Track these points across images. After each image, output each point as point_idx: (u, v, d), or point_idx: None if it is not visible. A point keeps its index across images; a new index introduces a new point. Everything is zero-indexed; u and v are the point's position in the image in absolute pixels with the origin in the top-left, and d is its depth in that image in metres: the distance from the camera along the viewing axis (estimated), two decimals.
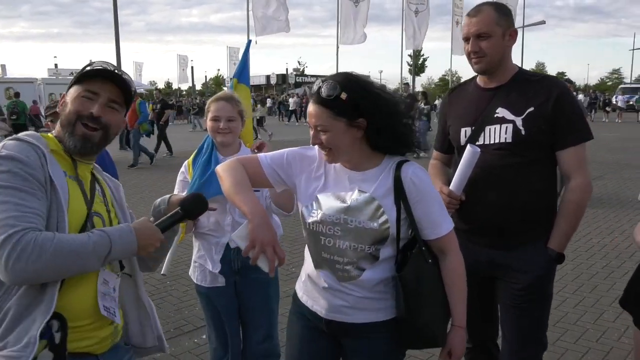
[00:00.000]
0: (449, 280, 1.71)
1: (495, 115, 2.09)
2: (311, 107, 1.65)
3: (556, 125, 2.03)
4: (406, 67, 39.29)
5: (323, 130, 1.63)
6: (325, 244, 1.71)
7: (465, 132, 2.18)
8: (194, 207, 1.64)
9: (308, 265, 1.81)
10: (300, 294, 1.87)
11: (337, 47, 21.71)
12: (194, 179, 2.50)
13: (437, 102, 23.68)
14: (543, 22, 27.40)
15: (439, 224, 1.69)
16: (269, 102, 28.47)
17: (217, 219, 2.48)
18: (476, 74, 2.22)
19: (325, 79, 1.65)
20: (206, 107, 2.57)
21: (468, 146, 2.07)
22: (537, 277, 2.09)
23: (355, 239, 1.67)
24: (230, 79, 3.17)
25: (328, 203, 1.70)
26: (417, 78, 39.46)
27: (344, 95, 1.58)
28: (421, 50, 43.79)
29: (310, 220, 1.73)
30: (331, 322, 1.76)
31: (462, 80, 2.64)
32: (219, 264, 2.51)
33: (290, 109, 28.23)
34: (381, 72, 73.79)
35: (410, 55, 38.51)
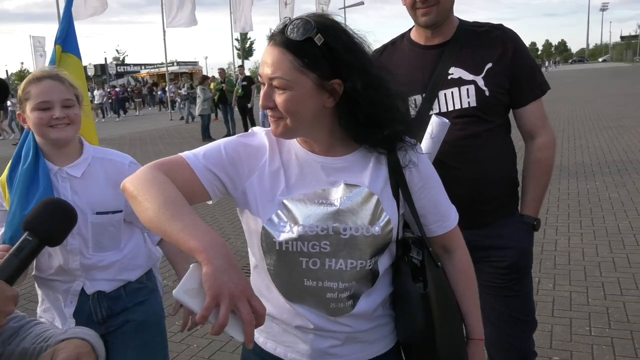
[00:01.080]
0: (461, 284, 1.33)
1: (449, 77, 1.77)
2: (269, 52, 1.12)
3: (517, 80, 1.79)
4: (237, 53, 38.61)
5: (281, 86, 1.10)
6: (309, 268, 1.18)
7: (414, 101, 1.79)
8: (50, 223, 1.00)
9: (268, 304, 1.24)
10: (260, 339, 1.32)
11: (164, 32, 20.52)
12: (13, 208, 1.62)
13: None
14: (362, 3, 28.65)
15: (447, 214, 1.30)
16: (97, 94, 25.07)
17: (61, 259, 1.69)
18: (408, 30, 1.91)
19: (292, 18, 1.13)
20: (20, 93, 1.69)
21: (434, 118, 1.69)
22: (522, 251, 1.87)
23: (351, 253, 1.18)
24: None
25: (305, 209, 1.17)
26: (245, 62, 39.13)
27: (319, 39, 1.08)
28: (247, 34, 43.39)
29: (281, 238, 1.16)
30: None
31: None
32: (73, 319, 1.76)
33: (96, 102, 24.86)
34: (207, 57, 72.62)
35: (237, 39, 38.02)
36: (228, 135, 13.75)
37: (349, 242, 1.16)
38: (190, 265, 0.95)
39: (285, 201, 1.17)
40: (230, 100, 13.69)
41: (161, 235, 1.01)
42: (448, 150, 1.71)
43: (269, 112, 1.15)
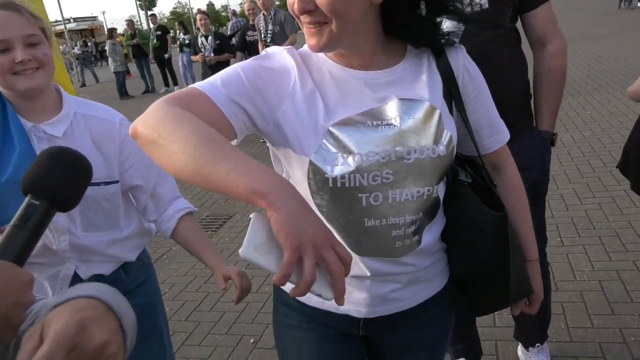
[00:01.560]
0: (514, 202, 1.18)
1: None
2: None
3: None
4: (139, 4, 36.06)
5: None
6: (370, 204, 1.00)
7: None
8: (59, 178, 0.71)
9: None
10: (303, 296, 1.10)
11: None
12: None
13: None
14: None
15: (500, 127, 1.15)
16: None
17: (45, 240, 1.37)
18: None
19: None
20: None
21: None
22: (544, 170, 1.78)
23: (417, 180, 1.00)
24: None
25: (358, 134, 0.97)
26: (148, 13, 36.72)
27: None
28: None
29: (335, 173, 0.97)
30: (373, 320, 1.13)
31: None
32: None
33: None
34: (104, 12, 67.48)
35: None
36: (147, 92, 12.92)
37: (415, 167, 0.98)
38: (251, 215, 0.75)
39: (331, 128, 0.96)
40: (148, 53, 12.79)
41: (202, 185, 0.77)
42: None
43: (305, 20, 0.92)
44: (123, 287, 1.49)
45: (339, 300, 0.72)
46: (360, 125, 0.97)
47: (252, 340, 2.68)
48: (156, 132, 0.81)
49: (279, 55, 1.02)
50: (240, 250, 0.70)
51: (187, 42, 11.63)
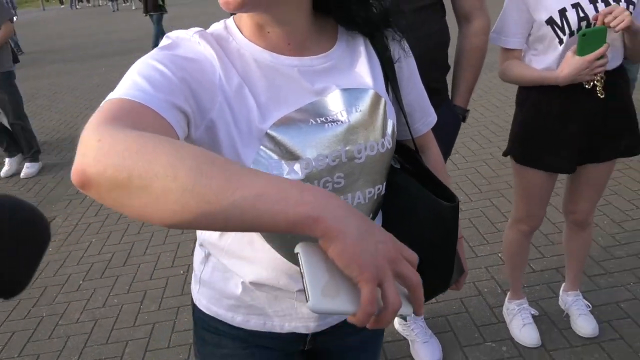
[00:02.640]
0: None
1: None
2: None
3: None
4: None
5: None
6: None
7: None
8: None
9: (254, 267, 0.92)
10: (238, 317, 0.98)
11: None
12: None
13: None
14: None
15: (429, 108, 1.09)
16: None
17: None
18: None
19: None
20: None
21: None
22: (449, 145, 1.80)
23: (368, 180, 0.90)
24: None
25: (302, 135, 0.82)
26: None
27: None
28: None
29: None
30: (322, 333, 1.01)
31: None
32: None
33: None
34: None
35: None
36: None
37: (366, 166, 0.88)
38: (298, 251, 0.57)
39: (270, 131, 0.80)
40: None
41: (214, 226, 0.55)
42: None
43: None
44: None
45: (419, 309, 0.61)
46: (303, 124, 0.82)
47: None
48: (125, 171, 0.54)
49: (188, 41, 0.81)
50: (309, 304, 0.54)
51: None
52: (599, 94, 1.71)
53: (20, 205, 0.45)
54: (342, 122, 0.85)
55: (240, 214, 0.53)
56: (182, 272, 2.99)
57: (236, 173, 0.55)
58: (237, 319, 0.97)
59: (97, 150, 0.55)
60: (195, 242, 3.27)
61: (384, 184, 0.94)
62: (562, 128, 1.78)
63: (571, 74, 1.63)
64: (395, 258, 0.57)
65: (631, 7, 1.61)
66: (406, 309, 0.59)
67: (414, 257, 0.61)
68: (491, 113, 4.93)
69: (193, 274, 1.06)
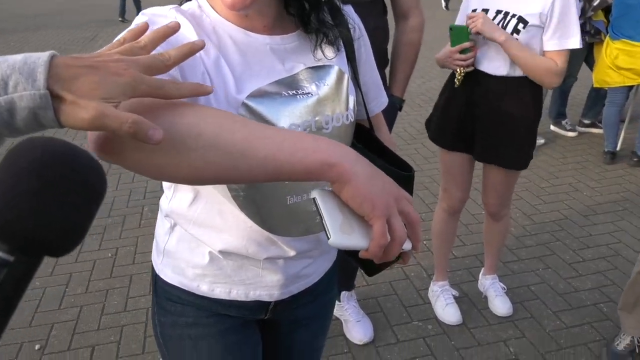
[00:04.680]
0: None
1: None
2: None
3: None
4: None
5: None
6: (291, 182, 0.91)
7: None
8: (44, 205, 0.41)
9: (223, 236, 0.96)
10: (203, 286, 1.01)
11: None
12: None
13: None
14: None
15: (382, 90, 1.16)
16: None
17: None
18: None
19: None
20: None
21: None
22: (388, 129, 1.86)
23: None
24: None
25: (278, 106, 0.88)
26: None
27: None
28: None
29: None
30: (282, 302, 1.07)
31: None
32: None
33: None
34: None
35: None
36: None
37: (333, 136, 0.94)
38: (315, 195, 0.63)
39: (246, 101, 0.85)
40: None
41: (235, 178, 0.61)
42: None
43: None
44: None
45: (418, 246, 0.69)
46: (277, 95, 0.88)
47: (37, 347, 2.25)
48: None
49: (165, 17, 0.83)
50: (331, 240, 0.60)
51: None
52: (455, 82, 2.02)
53: (75, 151, 0.44)
54: (312, 94, 0.91)
55: (264, 165, 0.59)
56: (110, 255, 2.90)
57: (256, 128, 0.60)
58: (202, 288, 1.00)
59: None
60: (137, 221, 3.19)
61: None
62: (445, 108, 2.12)
63: (439, 57, 2.02)
64: (399, 196, 0.65)
65: (521, 24, 1.85)
66: (407, 244, 0.67)
67: (410, 197, 0.69)
68: (415, 112, 5.18)
69: (154, 245, 1.07)
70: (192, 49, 0.61)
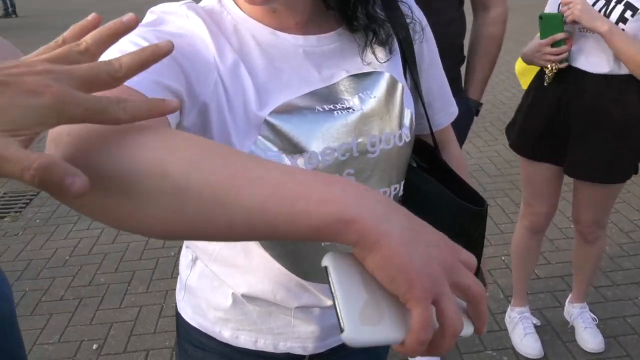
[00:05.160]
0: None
1: None
2: None
3: None
4: None
5: None
6: None
7: None
8: None
9: (247, 278, 0.81)
10: (226, 333, 0.87)
11: None
12: None
13: None
14: None
15: (450, 98, 0.96)
16: None
17: None
18: None
19: None
20: None
21: None
22: (461, 141, 1.66)
23: (383, 178, 0.79)
24: None
25: (307, 124, 0.71)
26: None
27: None
28: None
29: None
30: (319, 355, 0.90)
31: None
32: None
33: None
34: None
35: None
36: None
37: (381, 161, 0.77)
38: (326, 264, 0.43)
39: (269, 118, 0.68)
40: None
41: (217, 235, 0.43)
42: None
43: None
44: None
45: (483, 329, 0.48)
46: (308, 111, 0.71)
47: (95, 346, 2.24)
48: (101, 170, 0.41)
49: (175, 15, 0.69)
50: (344, 335, 0.40)
51: None
52: (545, 80, 1.74)
53: None
54: (353, 109, 0.73)
55: (248, 219, 0.40)
56: (172, 253, 2.88)
57: (242, 165, 0.42)
58: (224, 334, 0.86)
59: (66, 147, 0.43)
60: None
61: (402, 183, 0.83)
62: (530, 111, 1.83)
63: (525, 53, 1.75)
64: (452, 264, 0.44)
65: (629, 12, 1.54)
66: (467, 328, 0.46)
67: (472, 260, 0.46)
68: (497, 110, 4.82)
69: (179, 278, 0.95)
70: (155, 54, 0.44)
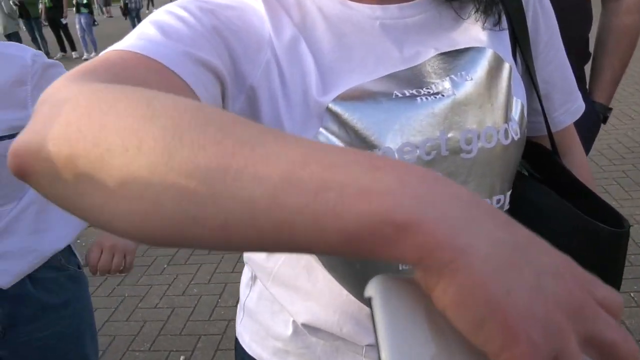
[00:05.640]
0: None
1: None
2: None
3: None
4: None
5: None
6: None
7: None
8: None
9: (309, 305, 0.66)
10: None
11: None
12: None
13: None
14: None
15: (575, 91, 0.76)
16: None
17: None
18: None
19: None
20: None
21: None
22: (585, 150, 1.43)
23: (481, 185, 0.60)
24: None
25: (385, 114, 0.55)
26: None
27: None
28: None
29: None
30: None
31: None
32: None
33: None
34: None
35: None
36: None
37: (479, 164, 0.59)
38: (370, 294, 0.27)
39: (332, 105, 0.54)
40: (36, 14, 11.32)
41: (210, 240, 0.28)
42: None
43: None
44: (31, 307, 1.10)
45: None
46: (383, 97, 0.56)
47: (182, 358, 2.23)
48: (66, 146, 0.30)
49: None
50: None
51: (84, 1, 10.43)
52: None
53: None
54: (443, 95, 0.57)
55: (250, 218, 0.26)
56: None
57: (247, 137, 0.28)
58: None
59: (35, 120, 0.32)
60: None
61: (507, 194, 0.65)
62: None
63: None
64: (583, 305, 0.26)
65: None
66: None
67: (615, 300, 0.29)
68: (625, 125, 4.31)
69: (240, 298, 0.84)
70: None
